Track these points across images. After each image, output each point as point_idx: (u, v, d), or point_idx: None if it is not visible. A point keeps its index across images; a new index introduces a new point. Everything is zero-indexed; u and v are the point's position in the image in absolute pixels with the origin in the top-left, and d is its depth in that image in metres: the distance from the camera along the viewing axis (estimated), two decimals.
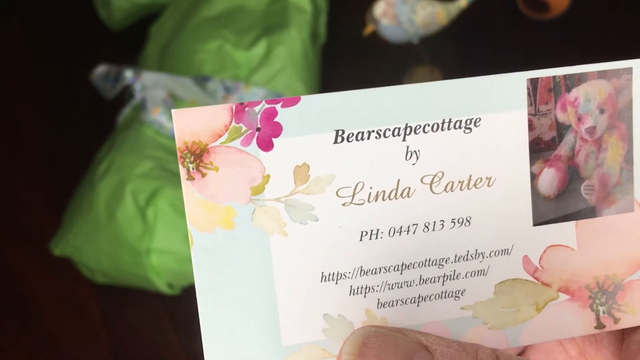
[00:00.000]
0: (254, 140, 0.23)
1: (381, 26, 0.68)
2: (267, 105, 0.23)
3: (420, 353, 0.23)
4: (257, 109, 0.23)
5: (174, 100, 0.65)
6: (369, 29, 0.71)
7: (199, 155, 0.23)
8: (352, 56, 0.78)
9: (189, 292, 0.64)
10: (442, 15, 0.68)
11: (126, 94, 0.69)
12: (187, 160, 0.23)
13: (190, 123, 0.23)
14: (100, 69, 0.68)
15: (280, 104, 0.23)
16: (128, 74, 0.66)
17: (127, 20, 0.80)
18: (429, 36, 0.69)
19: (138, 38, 0.76)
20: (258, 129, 0.23)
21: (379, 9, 0.68)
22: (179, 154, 0.23)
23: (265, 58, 0.67)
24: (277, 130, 0.23)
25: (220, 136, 0.23)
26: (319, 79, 0.72)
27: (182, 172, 0.23)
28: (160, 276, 0.61)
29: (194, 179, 0.23)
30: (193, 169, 0.23)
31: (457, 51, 0.78)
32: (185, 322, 0.64)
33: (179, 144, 0.23)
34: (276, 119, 0.23)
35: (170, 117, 0.64)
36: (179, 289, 0.64)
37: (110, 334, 0.65)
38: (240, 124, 0.23)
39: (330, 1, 0.79)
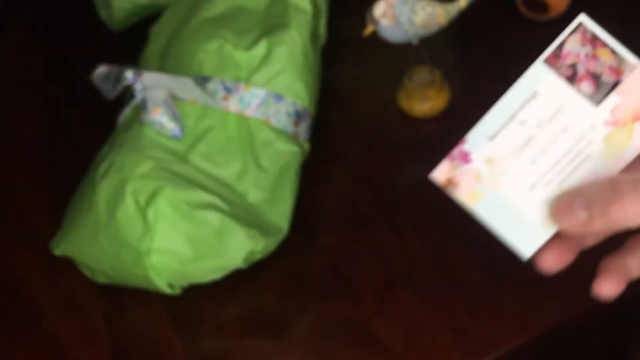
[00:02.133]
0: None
1: (381, 26, 0.68)
2: None
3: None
4: None
5: (175, 101, 0.65)
6: (369, 29, 0.70)
7: None
8: (352, 56, 0.78)
9: (189, 292, 0.64)
10: (442, 15, 0.68)
11: (126, 94, 0.69)
12: None
13: None
14: (101, 69, 0.68)
15: None
16: (128, 74, 0.66)
17: (128, 20, 0.80)
18: (429, 36, 0.69)
19: (138, 38, 0.76)
20: None
21: (378, 10, 0.68)
22: None
23: (266, 58, 0.67)
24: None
25: None
26: (319, 79, 0.72)
27: None
28: (160, 276, 0.61)
29: None
30: None
31: (457, 51, 0.78)
32: (185, 322, 0.64)
33: None
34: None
35: (170, 117, 0.64)
36: (179, 289, 0.64)
37: (110, 334, 0.65)
38: None
39: (330, 1, 0.79)
